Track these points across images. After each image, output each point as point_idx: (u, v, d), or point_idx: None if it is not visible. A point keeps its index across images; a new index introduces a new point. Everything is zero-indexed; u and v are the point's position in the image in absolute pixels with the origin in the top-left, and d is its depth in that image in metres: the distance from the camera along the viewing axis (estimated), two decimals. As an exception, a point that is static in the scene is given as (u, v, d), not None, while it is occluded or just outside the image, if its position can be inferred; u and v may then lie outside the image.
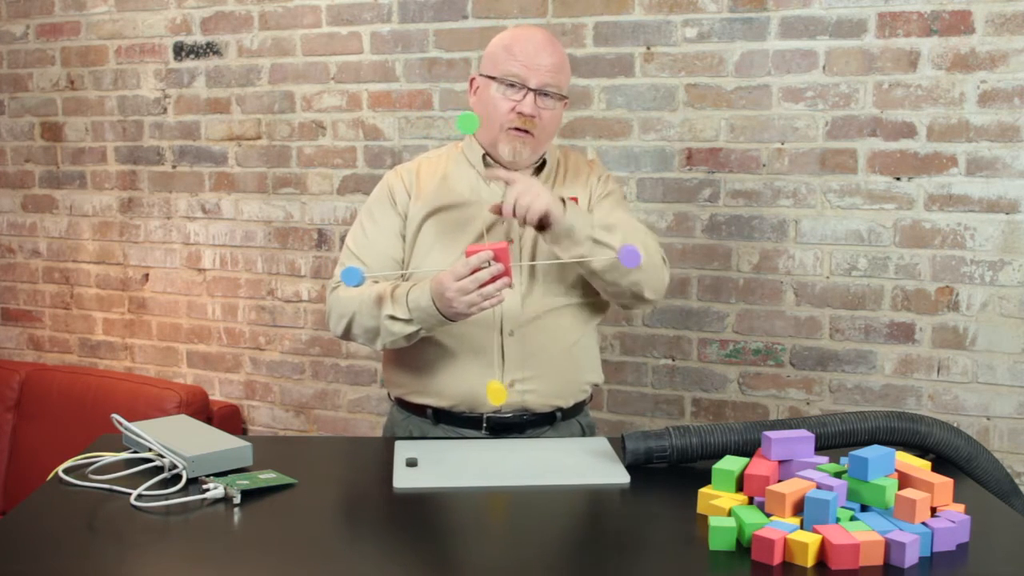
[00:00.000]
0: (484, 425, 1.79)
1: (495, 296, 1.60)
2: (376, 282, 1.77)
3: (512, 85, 1.74)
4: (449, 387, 1.79)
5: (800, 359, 2.48)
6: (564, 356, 1.81)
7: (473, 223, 1.78)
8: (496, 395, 1.60)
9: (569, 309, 1.82)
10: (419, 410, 1.84)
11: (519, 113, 1.73)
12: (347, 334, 1.79)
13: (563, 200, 1.67)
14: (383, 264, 1.81)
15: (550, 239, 1.68)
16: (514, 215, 1.63)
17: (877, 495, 1.26)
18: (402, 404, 1.89)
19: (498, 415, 1.79)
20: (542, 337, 1.78)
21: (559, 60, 1.76)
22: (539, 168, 1.85)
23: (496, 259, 1.58)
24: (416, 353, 1.82)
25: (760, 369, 2.51)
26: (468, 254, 1.58)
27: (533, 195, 1.62)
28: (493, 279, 1.58)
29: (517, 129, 1.74)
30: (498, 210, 1.67)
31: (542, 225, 1.65)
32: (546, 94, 1.74)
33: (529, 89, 1.73)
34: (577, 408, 1.88)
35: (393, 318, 1.70)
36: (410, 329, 1.70)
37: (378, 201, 1.86)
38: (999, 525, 1.35)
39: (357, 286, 1.59)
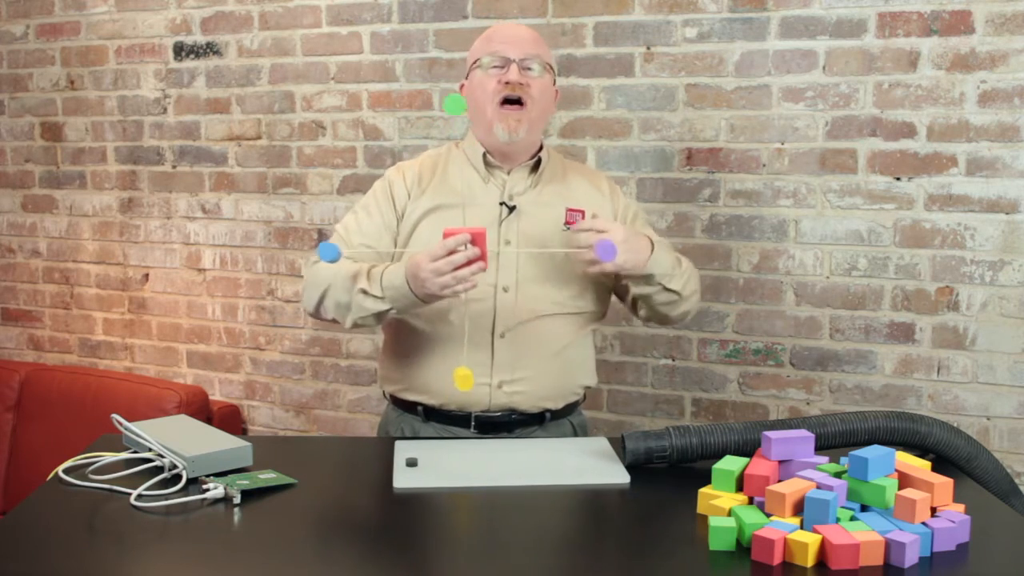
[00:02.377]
0: (473, 424, 1.80)
1: (468, 280, 1.60)
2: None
3: (496, 66, 1.78)
4: (439, 385, 1.80)
5: (800, 359, 2.48)
6: (554, 360, 1.82)
7: (470, 220, 1.79)
8: (463, 381, 1.59)
9: (563, 315, 1.82)
10: (410, 407, 1.86)
11: (506, 83, 1.76)
12: (318, 309, 1.79)
13: (651, 242, 1.73)
14: (366, 256, 1.82)
15: (627, 278, 1.76)
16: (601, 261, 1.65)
17: (877, 495, 1.26)
18: (395, 402, 1.90)
19: (486, 414, 1.80)
20: (533, 340, 1.79)
21: (536, 37, 1.83)
22: (535, 167, 1.86)
23: (473, 243, 1.58)
24: (408, 351, 1.83)
25: (760, 369, 2.51)
26: (446, 236, 1.59)
27: (634, 254, 1.68)
28: (468, 263, 1.59)
29: (507, 103, 1.77)
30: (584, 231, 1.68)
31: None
32: (530, 68, 1.78)
33: (511, 61, 1.77)
34: (568, 409, 1.89)
35: (365, 293, 1.71)
36: (381, 307, 1.71)
37: (376, 196, 1.88)
38: (999, 525, 1.35)
39: (332, 262, 1.59)
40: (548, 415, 1.84)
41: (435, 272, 1.59)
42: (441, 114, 2.74)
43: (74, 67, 3.17)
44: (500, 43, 1.79)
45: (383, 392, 1.95)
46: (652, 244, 1.74)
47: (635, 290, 1.81)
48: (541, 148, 1.88)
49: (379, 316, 1.74)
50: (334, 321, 1.80)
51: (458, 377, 1.59)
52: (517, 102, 1.77)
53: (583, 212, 1.84)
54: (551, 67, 1.83)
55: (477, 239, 1.59)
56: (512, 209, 1.81)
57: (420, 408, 1.84)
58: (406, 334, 1.82)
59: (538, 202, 1.84)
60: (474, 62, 1.83)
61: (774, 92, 2.42)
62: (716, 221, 2.51)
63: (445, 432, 1.83)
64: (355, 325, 1.77)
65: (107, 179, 3.18)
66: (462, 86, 1.87)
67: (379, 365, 1.96)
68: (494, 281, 1.77)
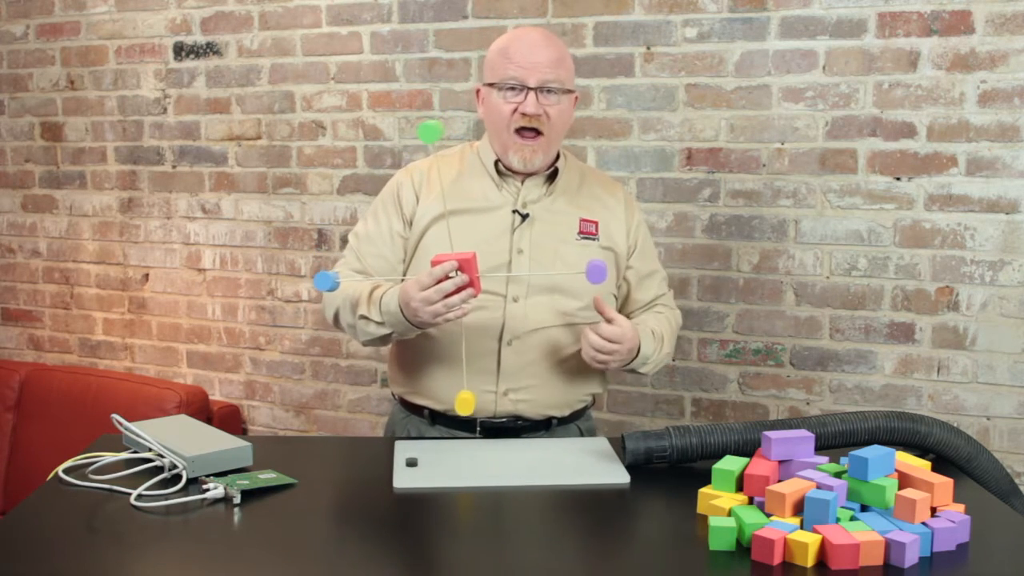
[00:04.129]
0: (478, 429, 1.80)
1: (459, 308, 1.59)
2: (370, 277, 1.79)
3: (512, 88, 1.74)
4: (445, 391, 1.79)
5: (800, 359, 2.48)
6: (561, 368, 1.81)
7: (483, 228, 1.78)
8: (463, 405, 1.59)
9: (572, 326, 1.81)
10: (417, 410, 1.86)
11: (523, 114, 1.73)
12: (337, 326, 1.84)
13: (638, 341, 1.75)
14: (381, 267, 1.83)
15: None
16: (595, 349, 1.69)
17: (877, 495, 1.26)
18: (403, 403, 1.90)
19: (492, 420, 1.79)
20: (540, 349, 1.78)
21: (557, 55, 1.75)
22: (551, 177, 1.84)
23: (461, 270, 1.56)
24: (416, 355, 1.83)
25: (760, 369, 2.51)
26: (434, 263, 1.57)
27: (618, 356, 1.70)
28: (458, 290, 1.57)
29: (524, 130, 1.74)
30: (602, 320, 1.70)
31: None
32: (548, 91, 1.73)
33: (529, 89, 1.72)
34: (575, 415, 1.88)
35: (366, 319, 1.72)
36: (383, 331, 1.72)
37: (384, 201, 1.87)
38: (999, 525, 1.35)
39: (330, 291, 1.59)
40: (555, 421, 1.84)
41: (425, 301, 1.58)
42: (441, 114, 2.74)
43: (74, 67, 3.17)
44: (518, 67, 1.72)
45: (391, 393, 1.95)
46: (639, 345, 1.75)
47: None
48: (558, 156, 1.85)
49: (384, 339, 1.75)
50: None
51: (460, 401, 1.59)
52: (533, 130, 1.74)
53: (596, 223, 1.83)
54: (570, 88, 1.78)
55: (465, 266, 1.56)
56: (525, 217, 1.79)
57: (426, 411, 1.84)
58: (413, 339, 1.82)
59: (552, 210, 1.82)
60: (491, 80, 1.78)
61: (774, 92, 2.42)
62: (716, 221, 2.51)
63: (450, 436, 1.82)
64: (366, 344, 1.81)
65: (107, 179, 3.18)
66: (478, 91, 1.83)
67: (388, 367, 1.97)
68: (504, 291, 1.77)
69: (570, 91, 1.78)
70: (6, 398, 3.12)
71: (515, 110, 1.73)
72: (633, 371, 1.82)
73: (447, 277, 1.57)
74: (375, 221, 1.86)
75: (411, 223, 1.82)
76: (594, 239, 1.83)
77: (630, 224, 1.89)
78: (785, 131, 2.42)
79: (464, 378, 1.69)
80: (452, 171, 1.85)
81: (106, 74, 3.12)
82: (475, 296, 1.60)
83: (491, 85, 1.77)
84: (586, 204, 1.85)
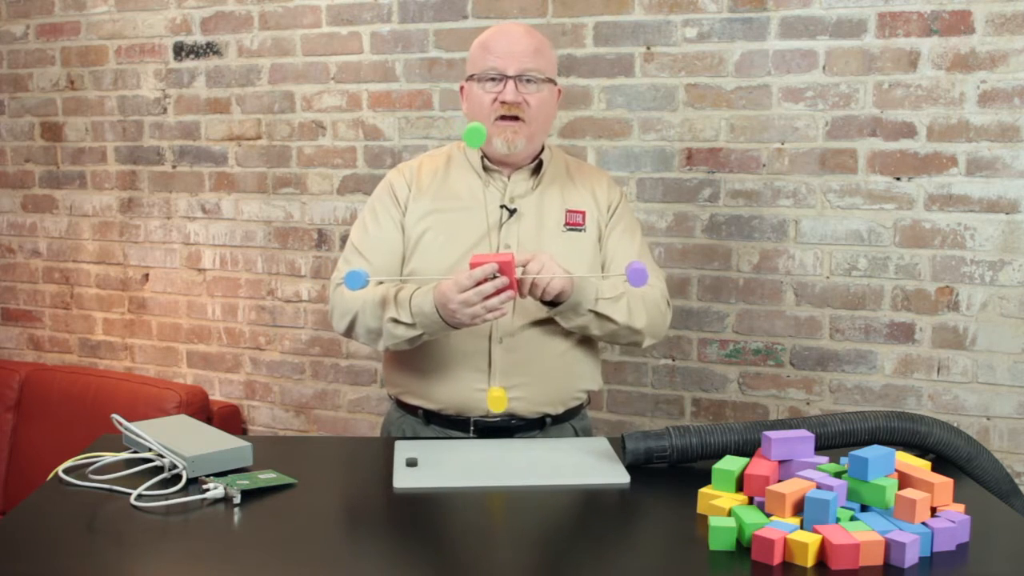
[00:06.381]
0: (472, 428, 1.80)
1: (499, 309, 1.59)
2: (380, 283, 1.78)
3: (492, 79, 1.75)
4: (439, 391, 1.80)
5: (800, 359, 2.48)
6: (554, 365, 1.81)
7: (471, 224, 1.78)
8: (496, 403, 1.60)
9: None
10: (412, 410, 1.86)
11: (502, 102, 1.74)
12: (350, 332, 1.80)
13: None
14: (388, 260, 1.82)
15: (553, 310, 1.71)
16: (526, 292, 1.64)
17: (877, 495, 1.26)
18: (398, 403, 1.90)
19: (486, 419, 1.79)
20: (532, 345, 1.78)
21: (536, 46, 1.77)
22: (536, 169, 1.85)
23: (501, 272, 1.56)
24: (411, 356, 1.82)
25: (760, 369, 2.51)
26: (472, 265, 1.57)
27: (549, 274, 1.63)
28: (497, 292, 1.57)
29: (504, 118, 1.75)
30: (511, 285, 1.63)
31: (550, 301, 1.68)
32: (528, 80, 1.75)
33: (508, 78, 1.74)
34: (570, 414, 1.88)
35: (396, 321, 1.71)
36: (413, 333, 1.71)
37: (380, 198, 1.87)
38: (999, 525, 1.35)
39: (361, 288, 1.58)
40: (549, 420, 1.84)
41: (464, 303, 1.58)
42: (441, 114, 2.74)
43: (74, 67, 3.17)
44: (496, 57, 1.75)
45: (387, 393, 1.95)
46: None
47: (567, 324, 1.75)
48: (543, 150, 1.87)
49: (411, 340, 1.73)
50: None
51: (492, 398, 1.60)
52: (514, 118, 1.75)
53: (583, 213, 1.84)
54: (551, 77, 1.80)
55: (505, 268, 1.56)
56: (512, 212, 1.80)
57: (421, 411, 1.84)
58: None
59: (539, 204, 1.83)
60: (472, 72, 1.80)
61: (774, 92, 2.42)
62: (716, 221, 2.51)
63: (444, 435, 1.82)
64: (387, 349, 1.78)
65: (107, 179, 3.18)
66: (462, 88, 1.85)
67: (383, 368, 1.97)
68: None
69: (551, 80, 1.79)
70: (6, 398, 3.12)
71: (495, 99, 1.75)
72: (579, 309, 1.71)
73: (486, 279, 1.56)
74: (375, 220, 1.85)
75: (406, 214, 1.83)
76: (580, 229, 1.83)
77: (611, 201, 1.88)
78: (785, 131, 2.42)
79: (497, 376, 1.70)
80: (440, 169, 1.87)
81: (106, 74, 3.12)
82: (513, 298, 1.60)
83: (472, 78, 1.79)
84: (572, 195, 1.86)
